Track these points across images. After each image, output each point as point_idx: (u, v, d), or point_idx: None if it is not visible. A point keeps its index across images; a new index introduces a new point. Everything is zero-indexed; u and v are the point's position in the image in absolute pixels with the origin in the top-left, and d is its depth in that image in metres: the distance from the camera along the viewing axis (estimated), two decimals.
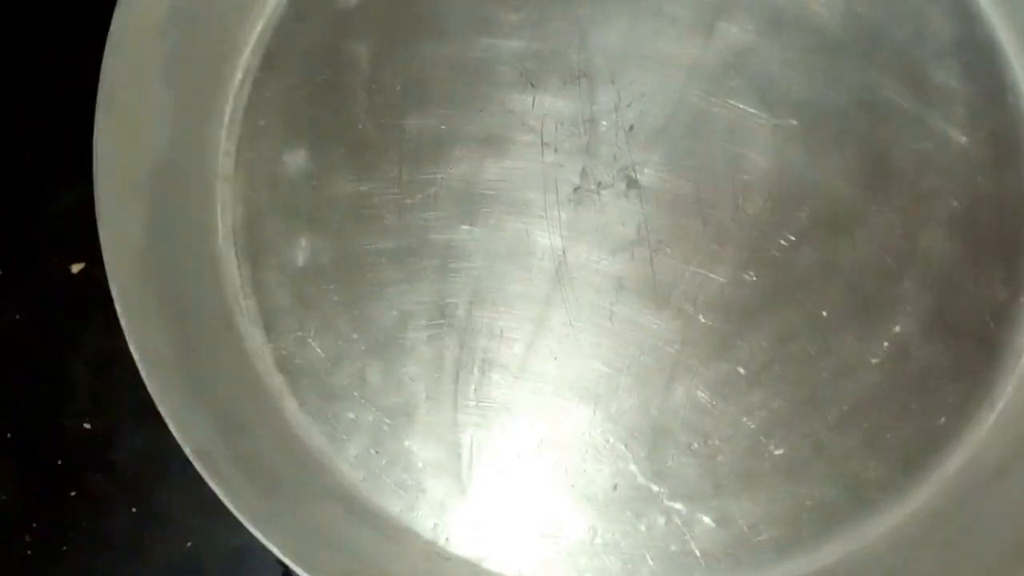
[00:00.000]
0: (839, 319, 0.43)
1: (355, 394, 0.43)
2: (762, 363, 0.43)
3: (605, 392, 0.43)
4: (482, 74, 0.45)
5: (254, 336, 0.44)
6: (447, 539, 0.43)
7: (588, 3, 0.45)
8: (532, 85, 0.45)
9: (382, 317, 0.44)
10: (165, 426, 0.39)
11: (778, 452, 0.43)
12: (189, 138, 0.43)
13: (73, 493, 0.45)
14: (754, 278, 0.44)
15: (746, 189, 0.44)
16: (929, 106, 0.45)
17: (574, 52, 0.45)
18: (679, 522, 0.42)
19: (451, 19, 0.45)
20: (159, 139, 0.42)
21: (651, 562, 0.42)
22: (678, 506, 0.43)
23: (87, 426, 0.45)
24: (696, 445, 0.43)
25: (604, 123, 0.45)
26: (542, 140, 0.45)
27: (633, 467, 0.43)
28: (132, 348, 0.39)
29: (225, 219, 0.44)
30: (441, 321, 0.43)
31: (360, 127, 0.45)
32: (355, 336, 0.43)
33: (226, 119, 0.45)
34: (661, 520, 0.43)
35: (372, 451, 0.43)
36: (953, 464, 0.43)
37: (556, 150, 0.45)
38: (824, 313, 0.43)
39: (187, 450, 0.38)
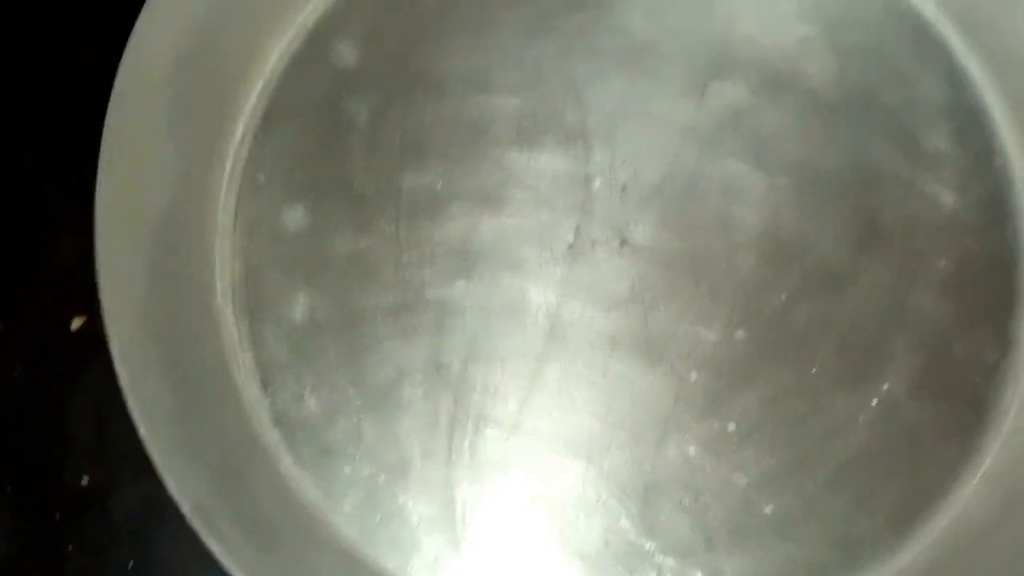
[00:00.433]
0: (829, 378, 0.44)
1: (350, 449, 0.44)
2: (753, 420, 0.44)
3: (598, 448, 0.44)
4: (479, 132, 0.46)
5: (251, 391, 0.44)
6: None
7: (584, 63, 0.46)
8: (528, 144, 0.46)
9: (378, 373, 0.44)
10: (162, 481, 0.39)
11: (769, 509, 0.43)
12: (189, 194, 0.44)
13: (71, 547, 0.45)
14: (746, 336, 0.44)
15: (739, 248, 0.45)
16: (920, 169, 0.45)
17: (570, 111, 0.46)
18: None
19: (449, 78, 0.46)
20: (160, 195, 0.43)
21: None
22: (670, 561, 0.43)
23: (85, 480, 0.45)
24: (688, 501, 0.43)
25: (599, 182, 0.46)
26: (537, 198, 0.45)
27: (625, 523, 0.43)
28: (130, 403, 0.39)
29: (224, 274, 0.45)
30: (436, 377, 0.44)
31: (358, 184, 0.45)
32: (351, 391, 0.44)
33: (226, 175, 0.46)
34: (653, 575, 0.43)
35: (366, 506, 0.43)
36: (942, 522, 0.43)
37: (551, 208, 0.45)
38: (814, 371, 0.44)
39: (183, 506, 0.38)
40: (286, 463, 0.43)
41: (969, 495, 0.44)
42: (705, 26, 0.47)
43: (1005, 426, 0.44)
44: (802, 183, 0.45)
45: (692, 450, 0.43)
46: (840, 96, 0.46)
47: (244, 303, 0.45)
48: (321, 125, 0.46)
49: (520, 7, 0.47)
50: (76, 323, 0.46)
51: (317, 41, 0.47)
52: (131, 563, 0.45)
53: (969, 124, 0.46)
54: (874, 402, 0.44)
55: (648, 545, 0.43)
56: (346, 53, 0.46)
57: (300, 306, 0.45)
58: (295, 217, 0.45)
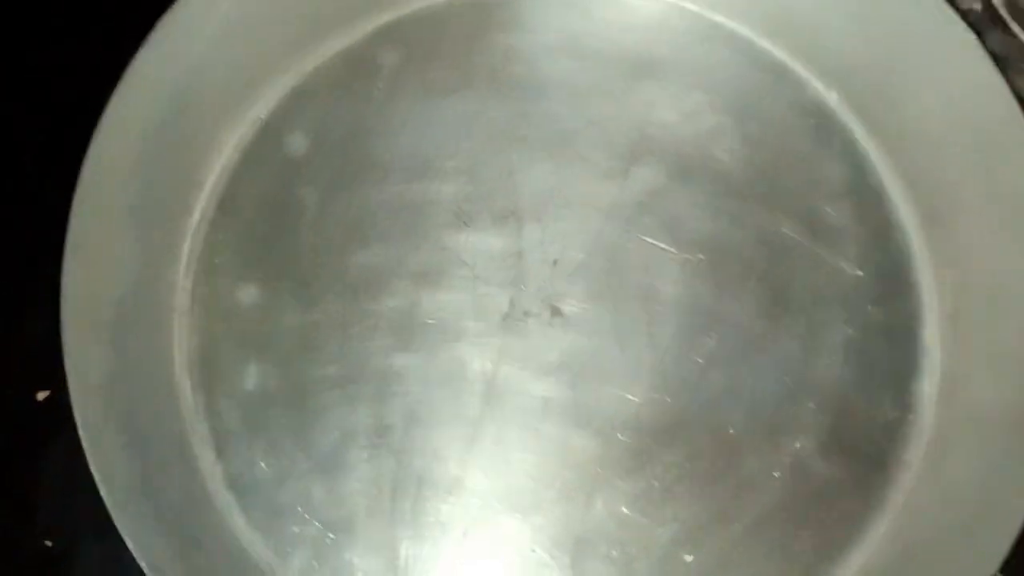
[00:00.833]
0: (744, 437, 0.47)
1: (299, 509, 0.46)
2: (674, 478, 0.47)
3: (531, 505, 0.47)
4: (420, 214, 0.49)
5: (206, 457, 0.47)
6: None
7: (517, 150, 0.50)
8: (465, 224, 0.49)
9: (325, 438, 0.47)
10: (124, 542, 0.42)
11: (690, 559, 0.46)
12: (149, 275, 0.47)
13: None
14: (667, 399, 0.47)
15: (658, 317, 0.48)
16: (824, 243, 0.49)
17: (504, 194, 0.49)
18: None
19: (392, 165, 0.50)
20: (122, 277, 0.46)
21: None
22: None
23: (48, 544, 0.47)
24: (615, 554, 0.46)
25: (531, 258, 0.49)
26: (474, 273, 0.49)
27: (557, 575, 0.46)
28: (94, 472, 0.42)
29: (181, 349, 0.48)
30: (380, 442, 0.47)
31: (307, 263, 0.49)
32: (300, 456, 0.47)
33: (184, 258, 0.49)
34: None
35: (315, 563, 0.46)
36: (850, 570, 0.46)
37: (487, 282, 0.49)
38: (730, 431, 0.47)
39: (143, 566, 0.41)
40: (239, 524, 0.46)
41: (875, 546, 0.47)
42: (625, 115, 0.50)
43: (908, 482, 0.47)
44: (715, 258, 0.49)
45: (619, 506, 0.47)
46: (749, 178, 0.50)
47: (200, 376, 0.48)
48: (272, 210, 0.49)
49: (457, 99, 0.51)
50: (41, 396, 0.49)
51: (269, 133, 0.50)
52: None
53: (869, 202, 0.50)
54: (786, 459, 0.47)
55: None
56: (297, 143, 0.50)
57: (252, 377, 0.48)
58: (248, 295, 0.48)
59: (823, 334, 0.48)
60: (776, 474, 0.47)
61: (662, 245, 0.49)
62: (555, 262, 0.49)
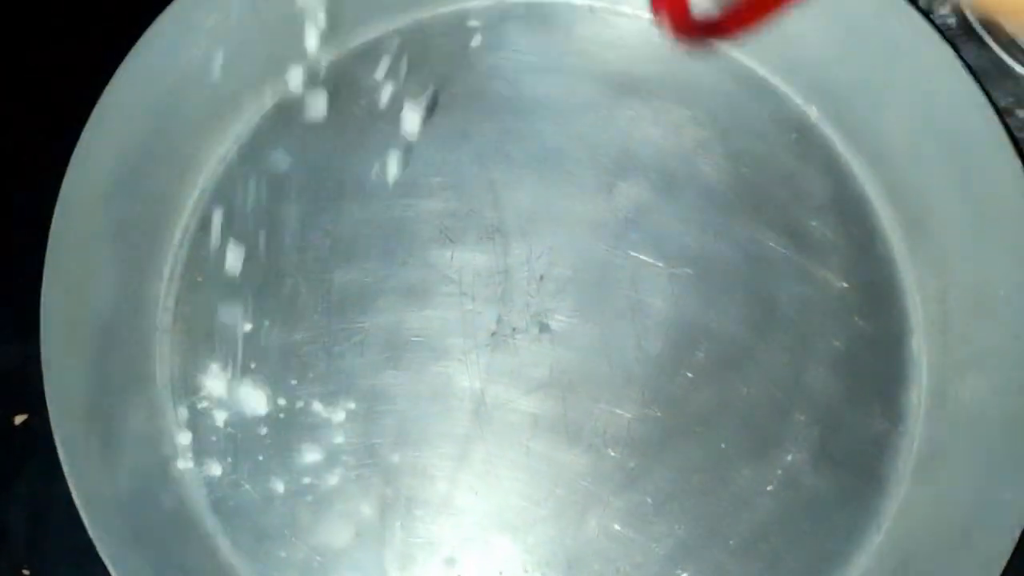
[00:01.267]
0: (735, 451, 0.47)
1: (286, 532, 0.45)
2: (667, 494, 0.46)
3: (523, 524, 0.46)
4: (404, 232, 0.49)
5: (190, 480, 0.46)
6: None
7: (501, 167, 0.50)
8: (451, 240, 0.49)
9: (312, 458, 0.46)
10: (102, 570, 0.41)
11: None
12: (131, 294, 0.46)
13: None
14: (657, 414, 0.47)
15: (647, 332, 0.48)
16: (809, 255, 0.49)
17: (489, 210, 0.49)
18: None
19: (375, 182, 0.49)
20: (103, 296, 0.45)
21: None
22: None
23: (25, 572, 0.46)
24: (608, 572, 0.45)
25: (517, 274, 0.49)
26: (461, 290, 0.48)
27: None
28: (74, 493, 0.41)
29: (163, 369, 0.47)
30: (368, 461, 0.46)
31: (290, 281, 0.48)
32: (286, 477, 0.46)
33: (165, 276, 0.48)
34: None
35: None
36: None
37: (474, 299, 0.48)
38: (722, 445, 0.47)
39: None
40: (224, 548, 0.45)
41: (870, 558, 0.46)
42: (609, 131, 0.51)
43: (900, 493, 0.47)
44: (702, 272, 0.49)
45: (611, 523, 0.46)
46: (734, 192, 0.50)
47: (183, 396, 0.47)
48: (255, 228, 0.49)
49: (439, 120, 0.50)
50: (18, 420, 0.47)
51: (252, 150, 0.50)
52: None
53: (852, 214, 0.50)
54: (778, 473, 0.47)
55: None
56: (279, 160, 0.50)
57: (236, 398, 0.47)
58: (231, 314, 0.48)
59: (811, 346, 0.48)
60: (769, 488, 0.47)
61: (649, 260, 0.49)
62: (542, 278, 0.49)
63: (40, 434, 0.42)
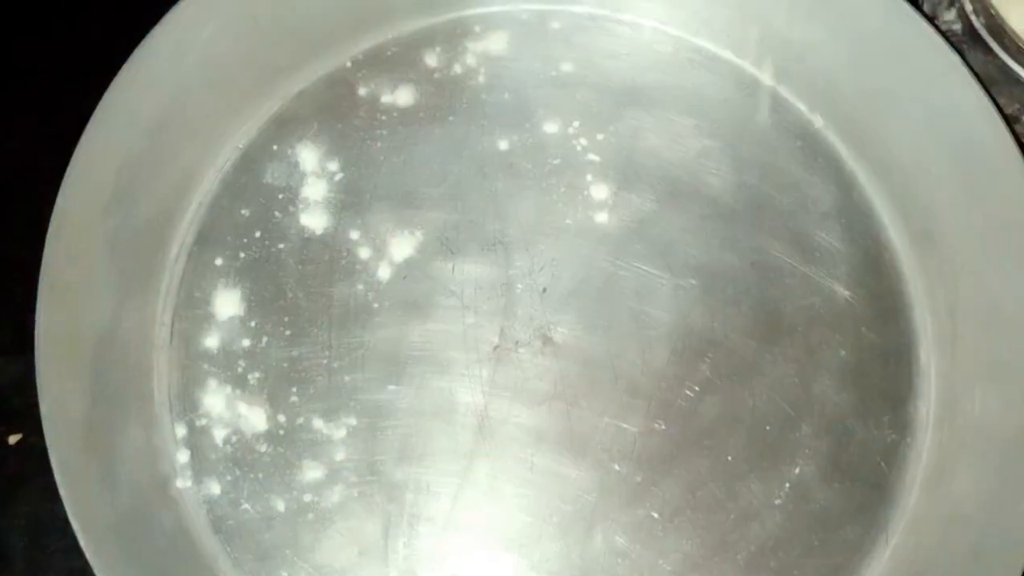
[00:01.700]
0: (743, 464, 0.46)
1: (288, 552, 0.45)
2: (674, 508, 0.46)
3: (528, 540, 0.45)
4: (405, 243, 0.48)
5: (190, 499, 0.45)
6: None
7: (502, 179, 0.49)
8: (452, 253, 0.48)
9: (313, 476, 0.45)
10: None
11: None
12: (127, 311, 0.46)
13: None
14: (663, 427, 0.47)
15: (652, 344, 0.47)
16: (815, 265, 0.49)
17: (490, 222, 0.49)
18: None
19: (376, 193, 0.49)
20: (99, 313, 0.44)
21: None
22: None
23: None
24: None
25: (520, 286, 0.48)
26: (463, 303, 0.48)
27: None
28: (70, 514, 0.40)
29: (161, 386, 0.46)
30: (371, 478, 0.45)
31: (290, 295, 0.47)
32: (288, 495, 0.45)
33: (162, 292, 0.47)
34: None
35: None
36: None
37: (476, 312, 0.48)
38: (729, 458, 0.46)
39: None
40: (225, 569, 0.44)
41: (879, 572, 0.46)
42: (612, 141, 0.50)
43: (910, 504, 0.46)
44: (707, 282, 0.48)
45: (618, 539, 0.45)
46: (738, 201, 0.49)
47: (181, 413, 0.46)
48: (254, 241, 0.48)
49: (442, 126, 0.50)
50: (13, 439, 0.47)
51: (250, 162, 0.49)
52: None
53: (858, 223, 0.49)
54: (786, 486, 0.46)
55: None
56: (278, 173, 0.49)
57: (236, 414, 0.46)
58: (230, 329, 0.47)
59: (818, 358, 0.48)
60: (777, 501, 0.46)
61: (653, 271, 0.48)
62: (544, 290, 0.48)
63: (37, 453, 0.41)
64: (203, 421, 0.46)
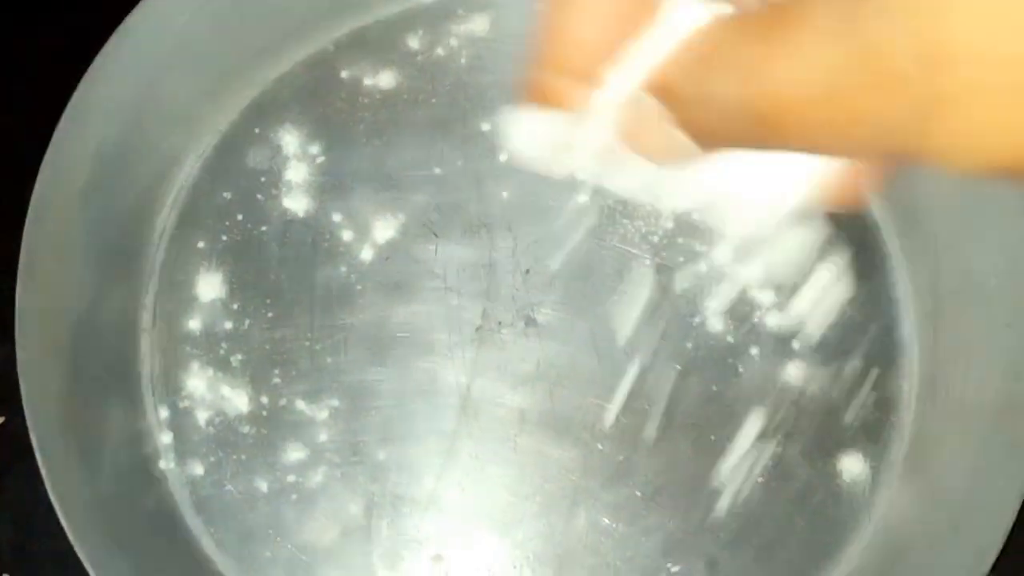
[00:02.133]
0: (725, 442, 0.46)
1: (271, 532, 0.45)
2: (657, 487, 0.46)
3: (511, 520, 0.45)
4: (388, 225, 0.48)
5: (172, 480, 0.45)
6: None
7: (485, 159, 0.49)
8: (435, 235, 0.48)
9: (296, 457, 0.46)
10: (85, 574, 0.40)
11: (675, 570, 0.45)
12: (109, 294, 0.46)
13: None
14: (646, 406, 0.47)
15: (635, 324, 0.48)
16: None
17: (473, 204, 0.49)
18: None
19: (358, 177, 0.49)
20: (80, 296, 0.44)
21: None
22: None
23: None
24: (599, 567, 0.45)
25: (503, 268, 0.48)
26: (445, 285, 0.48)
27: None
28: (52, 496, 0.40)
29: (143, 369, 0.46)
30: (354, 459, 0.46)
31: (273, 278, 0.47)
32: (271, 476, 0.45)
33: (144, 275, 0.47)
34: None
35: None
36: (837, 574, 0.46)
37: (459, 294, 0.48)
38: (712, 437, 0.46)
39: None
40: (208, 548, 0.45)
41: (863, 549, 0.46)
42: None
43: (892, 481, 0.47)
44: (690, 262, 0.48)
45: (601, 517, 0.45)
46: None
47: (164, 396, 0.46)
48: (236, 224, 0.48)
49: (423, 113, 0.50)
50: None
51: (231, 145, 0.49)
52: None
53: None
54: (769, 464, 0.46)
55: None
56: (259, 156, 0.49)
57: (219, 396, 0.46)
58: (213, 312, 0.47)
59: (801, 336, 0.48)
60: (760, 479, 0.46)
61: (636, 251, 0.48)
62: (527, 271, 0.48)
63: (19, 437, 0.41)
64: (186, 403, 0.46)
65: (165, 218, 0.48)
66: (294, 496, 0.45)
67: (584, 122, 0.27)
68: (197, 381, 0.46)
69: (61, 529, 0.40)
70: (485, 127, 0.50)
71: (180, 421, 0.46)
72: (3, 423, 0.46)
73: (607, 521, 0.45)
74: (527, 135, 0.28)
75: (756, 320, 0.48)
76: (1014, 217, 0.46)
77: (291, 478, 0.45)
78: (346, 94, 0.50)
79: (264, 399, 0.46)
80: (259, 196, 0.48)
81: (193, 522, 0.45)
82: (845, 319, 0.48)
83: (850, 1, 0.21)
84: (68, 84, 0.44)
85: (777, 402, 0.47)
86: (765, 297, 0.48)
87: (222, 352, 0.47)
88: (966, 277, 0.47)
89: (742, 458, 0.46)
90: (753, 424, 0.46)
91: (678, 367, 0.47)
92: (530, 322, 0.48)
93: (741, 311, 0.48)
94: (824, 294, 0.48)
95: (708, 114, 0.24)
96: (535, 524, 0.45)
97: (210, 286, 0.47)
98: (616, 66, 0.26)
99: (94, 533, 0.41)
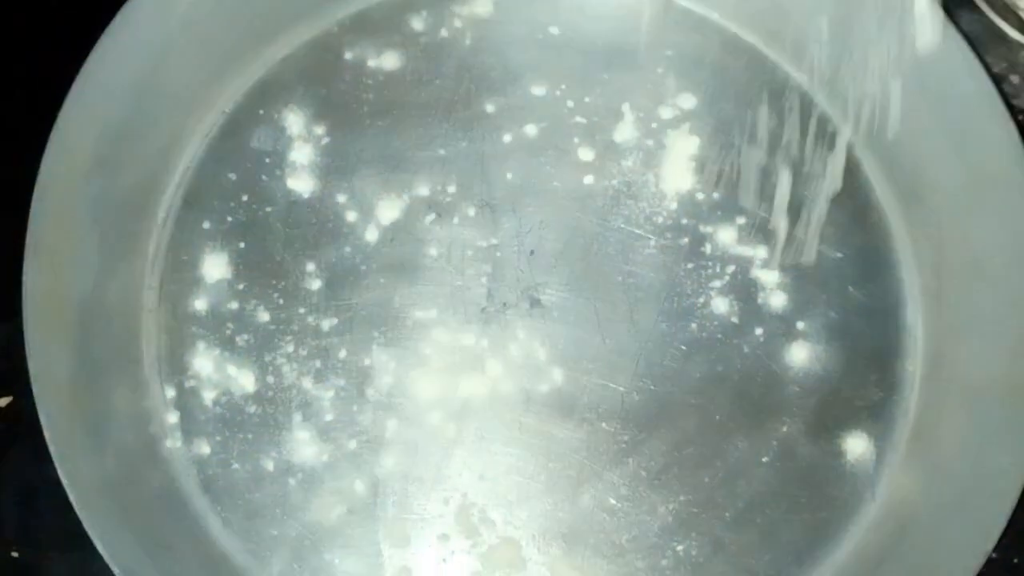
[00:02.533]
0: (730, 422, 0.46)
1: (277, 511, 0.45)
2: (662, 466, 0.46)
3: (517, 499, 0.46)
4: (392, 206, 0.48)
5: (179, 459, 0.45)
6: None
7: (489, 141, 0.49)
8: (439, 216, 0.48)
9: (303, 436, 0.46)
10: (92, 552, 0.40)
11: (680, 548, 0.45)
12: (114, 274, 0.46)
13: None
14: (651, 386, 0.47)
15: (639, 305, 0.48)
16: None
17: (477, 185, 0.49)
18: None
19: (362, 158, 0.49)
20: (86, 276, 0.45)
21: None
22: None
23: (15, 555, 0.45)
24: (604, 545, 0.45)
25: (507, 249, 0.48)
26: (450, 266, 0.48)
27: (545, 571, 0.45)
28: (61, 474, 0.41)
29: (149, 349, 0.46)
30: (360, 438, 0.46)
31: (278, 258, 0.47)
32: (276, 455, 0.45)
33: (150, 255, 0.47)
34: None
35: (295, 566, 0.44)
36: (842, 554, 0.46)
37: (463, 275, 0.48)
38: (717, 417, 0.47)
39: (115, 570, 0.40)
40: (215, 527, 0.45)
41: (867, 528, 0.46)
42: (598, 103, 0.50)
43: (896, 460, 0.47)
44: (695, 243, 0.48)
45: (606, 497, 0.46)
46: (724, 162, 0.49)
47: (170, 375, 0.46)
48: (240, 204, 0.48)
49: (426, 94, 0.50)
50: (2, 402, 0.47)
51: (236, 126, 0.49)
52: None
53: (846, 182, 0.49)
54: (773, 444, 0.46)
55: None
56: (264, 136, 0.49)
57: (224, 376, 0.46)
58: (218, 292, 0.47)
59: (806, 316, 0.48)
60: (764, 459, 0.46)
61: (640, 232, 0.48)
62: (532, 252, 0.48)
63: (26, 416, 0.42)
64: (192, 383, 0.46)
65: (170, 199, 0.48)
66: (300, 475, 0.45)
67: None
68: (203, 361, 0.46)
69: (67, 507, 0.40)
70: (489, 108, 0.50)
71: (186, 400, 0.46)
72: (10, 403, 0.46)
73: (612, 500, 0.46)
74: None
75: (760, 301, 0.48)
76: (1019, 197, 0.46)
77: (297, 457, 0.45)
78: (350, 75, 0.50)
79: (270, 379, 0.46)
80: (264, 177, 0.48)
81: (199, 501, 0.45)
82: (849, 300, 0.48)
83: None
84: (73, 65, 0.44)
85: (782, 382, 0.47)
86: (769, 278, 0.48)
87: (228, 332, 0.47)
88: (970, 256, 0.47)
89: (748, 438, 0.46)
90: (757, 404, 0.46)
91: (683, 347, 0.47)
92: (535, 303, 0.48)
93: (745, 292, 0.48)
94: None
95: None
96: (540, 503, 0.45)
97: (215, 267, 0.47)
98: None
99: (102, 511, 0.41)
